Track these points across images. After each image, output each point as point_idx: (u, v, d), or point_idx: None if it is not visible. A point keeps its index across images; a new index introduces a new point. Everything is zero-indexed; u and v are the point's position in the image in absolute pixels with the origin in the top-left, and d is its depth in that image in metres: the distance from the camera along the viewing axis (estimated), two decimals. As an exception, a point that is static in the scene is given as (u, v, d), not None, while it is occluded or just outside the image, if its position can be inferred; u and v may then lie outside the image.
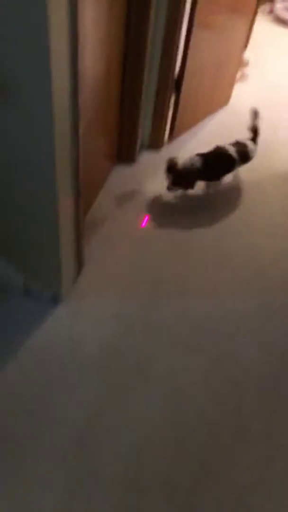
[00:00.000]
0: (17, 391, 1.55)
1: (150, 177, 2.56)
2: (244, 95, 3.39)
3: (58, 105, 1.25)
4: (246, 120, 2.54)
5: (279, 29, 4.74)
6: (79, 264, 1.91)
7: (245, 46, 3.40)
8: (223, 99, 3.25)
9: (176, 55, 2.44)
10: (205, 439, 1.52)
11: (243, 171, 2.60)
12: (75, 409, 1.52)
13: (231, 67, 3.08)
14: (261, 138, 2.56)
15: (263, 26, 4.44)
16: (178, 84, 2.63)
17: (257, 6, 3.15)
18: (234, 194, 2.58)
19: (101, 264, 2.01)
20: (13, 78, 1.19)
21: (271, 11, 5.00)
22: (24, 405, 1.52)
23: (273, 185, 2.69)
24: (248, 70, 3.71)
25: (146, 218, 2.20)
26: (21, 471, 1.37)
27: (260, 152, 2.54)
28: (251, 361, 1.76)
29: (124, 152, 2.60)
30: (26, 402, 1.53)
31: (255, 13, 3.25)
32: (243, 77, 3.65)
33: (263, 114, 2.57)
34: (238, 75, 3.38)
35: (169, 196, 2.43)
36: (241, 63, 3.38)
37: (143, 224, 2.20)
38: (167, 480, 1.40)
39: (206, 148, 2.42)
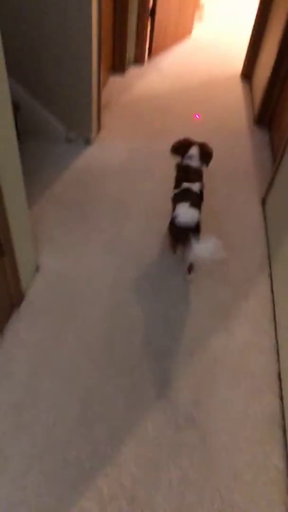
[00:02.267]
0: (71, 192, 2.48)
1: (138, 81, 3.53)
2: (201, 31, 4.40)
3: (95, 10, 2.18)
4: (202, 47, 3.53)
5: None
6: (99, 123, 2.87)
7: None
8: (186, 32, 4.23)
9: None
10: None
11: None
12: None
13: (190, 7, 4.06)
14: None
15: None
16: (152, 13, 3.58)
17: None
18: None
19: (113, 126, 2.97)
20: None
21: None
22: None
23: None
24: (203, 12, 4.70)
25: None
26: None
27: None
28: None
29: (117, 64, 3.54)
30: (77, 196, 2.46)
31: None
32: (200, 17, 4.64)
33: (204, 47, 3.57)
34: (197, 15, 4.37)
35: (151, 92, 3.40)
36: (198, 6, 4.36)
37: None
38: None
39: (177, 62, 3.40)
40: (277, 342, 1.72)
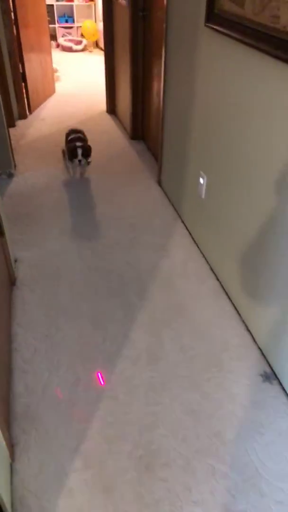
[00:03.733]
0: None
1: (28, 130, 4.26)
2: (62, 88, 5.39)
3: None
4: (68, 98, 4.46)
5: (67, 54, 6.99)
6: (14, 160, 3.49)
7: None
8: (51, 90, 5.16)
9: (18, 63, 4.24)
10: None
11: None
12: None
13: (49, 69, 5.02)
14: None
15: (57, 54, 6.60)
16: (23, 78, 4.41)
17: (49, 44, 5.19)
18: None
19: (24, 162, 3.61)
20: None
21: (57, 45, 7.22)
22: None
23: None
24: (59, 76, 5.72)
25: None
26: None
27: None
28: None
29: (8, 119, 4.23)
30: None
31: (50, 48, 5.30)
32: (58, 79, 5.64)
33: (69, 98, 4.54)
34: (55, 77, 5.35)
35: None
36: (53, 70, 5.35)
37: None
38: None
39: (53, 112, 4.24)
40: (203, 256, 2.52)
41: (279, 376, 1.77)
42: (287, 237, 1.57)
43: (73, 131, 3.43)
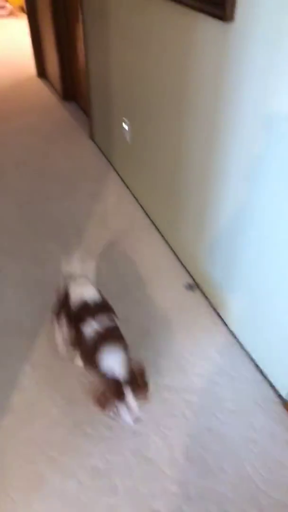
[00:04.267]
0: None
1: None
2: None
3: None
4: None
5: None
6: None
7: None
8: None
9: None
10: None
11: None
12: None
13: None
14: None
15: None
16: None
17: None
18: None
19: None
20: None
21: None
22: None
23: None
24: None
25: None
26: None
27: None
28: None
29: None
30: None
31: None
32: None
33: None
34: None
35: None
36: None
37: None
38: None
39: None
40: (134, 197, 2.74)
41: (200, 285, 2.06)
42: (194, 171, 1.81)
43: (90, 306, 1.50)
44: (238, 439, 1.49)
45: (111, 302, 1.58)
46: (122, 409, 1.35)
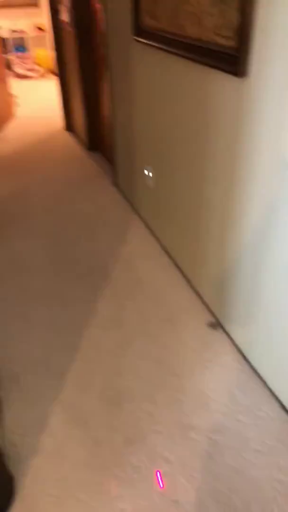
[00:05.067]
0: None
1: (-8, 151, 4.55)
2: (21, 112, 5.73)
3: None
4: (28, 121, 4.80)
5: (24, 82, 7.38)
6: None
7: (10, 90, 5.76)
8: (10, 115, 5.49)
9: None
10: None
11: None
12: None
13: (7, 99, 5.36)
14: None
15: (16, 82, 6.97)
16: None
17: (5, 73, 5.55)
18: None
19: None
20: None
21: (16, 75, 7.60)
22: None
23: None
24: (18, 102, 6.08)
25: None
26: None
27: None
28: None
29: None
30: None
31: (7, 76, 5.65)
32: (16, 105, 5.98)
33: (29, 120, 4.87)
34: (14, 104, 5.69)
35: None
36: (12, 98, 5.69)
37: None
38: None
39: (14, 133, 4.55)
40: (157, 239, 2.84)
41: (222, 324, 2.08)
42: (215, 214, 1.91)
43: None
44: (265, 480, 1.46)
45: (141, 342, 1.62)
46: None
